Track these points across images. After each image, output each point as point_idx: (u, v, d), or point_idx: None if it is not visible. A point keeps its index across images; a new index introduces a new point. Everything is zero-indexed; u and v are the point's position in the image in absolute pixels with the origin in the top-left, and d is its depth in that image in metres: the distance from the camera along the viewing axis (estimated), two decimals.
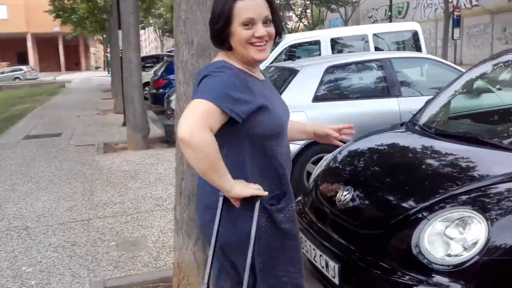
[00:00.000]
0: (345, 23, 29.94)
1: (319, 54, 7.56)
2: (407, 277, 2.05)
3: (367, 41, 7.90)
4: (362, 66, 4.96)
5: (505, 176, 2.20)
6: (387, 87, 4.76)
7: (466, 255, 1.94)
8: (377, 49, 7.74)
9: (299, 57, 7.46)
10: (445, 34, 21.13)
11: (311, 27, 32.91)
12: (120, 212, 4.29)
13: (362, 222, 2.37)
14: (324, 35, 7.88)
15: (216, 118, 1.43)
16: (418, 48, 8.02)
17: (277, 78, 5.01)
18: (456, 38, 19.22)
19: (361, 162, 2.99)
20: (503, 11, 22.16)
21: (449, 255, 1.99)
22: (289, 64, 5.33)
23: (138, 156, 6.66)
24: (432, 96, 3.57)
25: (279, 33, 1.64)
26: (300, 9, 34.65)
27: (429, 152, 2.74)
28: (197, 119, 1.40)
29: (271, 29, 1.57)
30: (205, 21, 2.20)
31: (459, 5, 23.68)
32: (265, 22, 1.55)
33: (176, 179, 2.45)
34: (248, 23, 1.52)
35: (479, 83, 3.51)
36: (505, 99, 3.33)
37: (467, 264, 1.92)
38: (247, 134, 1.56)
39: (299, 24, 37.40)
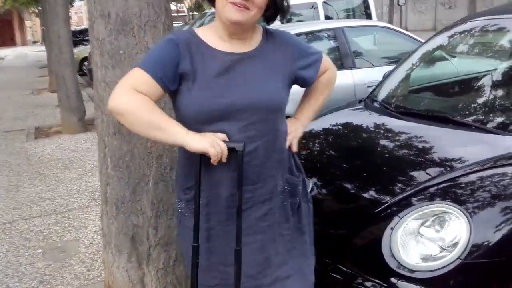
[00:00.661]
0: None
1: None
2: (376, 285, 1.77)
3: (316, 8, 7.54)
4: (313, 36, 4.61)
5: (485, 162, 1.94)
6: (340, 59, 4.45)
7: (446, 259, 1.67)
8: (327, 17, 7.40)
9: None
10: (391, 0, 21.14)
11: None
12: (49, 210, 3.78)
13: (322, 219, 2.06)
14: None
15: (143, 81, 1.38)
16: (368, 16, 7.76)
17: None
18: (401, 4, 19.10)
19: (316, 147, 2.67)
20: None
21: (425, 259, 1.71)
22: None
23: (74, 141, 6.06)
24: (391, 69, 3.28)
25: (281, 10, 1.45)
26: None
27: (393, 135, 2.46)
28: (120, 86, 1.39)
29: None
30: None
31: None
32: None
33: (100, 184, 2.02)
34: None
35: (439, 53, 3.25)
36: (469, 69, 3.09)
37: (447, 269, 1.65)
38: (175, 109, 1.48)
39: None
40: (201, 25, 7.48)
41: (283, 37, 1.55)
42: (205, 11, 8.79)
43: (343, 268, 1.88)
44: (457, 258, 1.64)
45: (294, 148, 1.64)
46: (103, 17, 1.84)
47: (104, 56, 1.87)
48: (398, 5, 19.51)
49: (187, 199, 1.53)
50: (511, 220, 1.68)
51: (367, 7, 7.78)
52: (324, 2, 7.52)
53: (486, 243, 1.65)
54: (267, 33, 1.53)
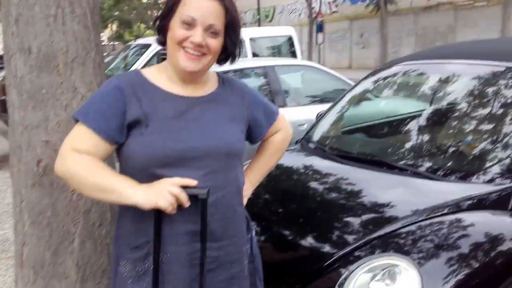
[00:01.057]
0: None
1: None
2: None
3: (242, 45, 7.59)
4: (243, 74, 4.58)
5: (426, 210, 1.93)
6: (272, 97, 4.44)
7: None
8: (254, 54, 7.48)
9: None
10: (310, 39, 22.18)
11: None
12: None
13: (265, 275, 1.92)
14: (244, 34, 7.31)
15: (86, 138, 1.27)
16: (293, 54, 7.97)
17: None
18: (320, 43, 20.23)
19: (260, 192, 2.55)
20: (360, 17, 23.99)
21: None
22: None
23: None
24: (324, 109, 3.29)
25: (232, 54, 1.39)
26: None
27: (332, 179, 2.43)
28: (63, 147, 1.30)
29: (214, 43, 1.30)
30: (48, 20, 1.56)
31: (321, 11, 25.09)
32: (209, 31, 1.29)
33: (15, 244, 1.74)
34: (189, 23, 1.27)
35: (369, 95, 3.33)
36: (399, 111, 3.19)
37: None
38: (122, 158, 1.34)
39: None
40: (125, 57, 7.21)
41: (238, 84, 1.49)
42: (129, 43, 8.52)
43: None
44: None
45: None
46: (22, 52, 1.62)
47: (23, 96, 1.64)
48: (317, 44, 20.58)
49: (135, 258, 1.32)
50: (456, 271, 1.67)
51: (291, 45, 8.00)
52: (250, 39, 7.60)
53: None
54: (222, 79, 1.44)
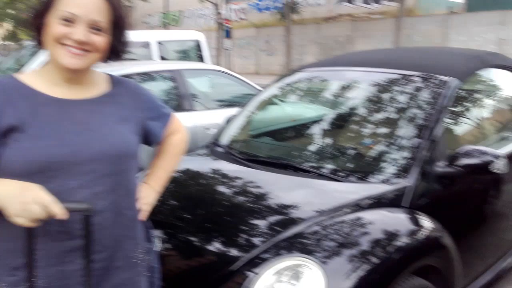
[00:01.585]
0: None
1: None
2: None
3: (149, 48, 7.39)
4: (150, 77, 4.45)
5: (335, 210, 2.01)
6: (179, 101, 4.37)
7: None
8: (162, 58, 7.32)
9: None
10: (219, 44, 22.28)
11: None
12: None
13: (170, 281, 1.86)
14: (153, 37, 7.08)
15: None
16: (200, 58, 7.93)
17: None
18: (228, 48, 20.39)
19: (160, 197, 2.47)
20: (266, 25, 24.60)
21: None
22: None
23: None
24: (233, 114, 3.30)
25: (119, 52, 1.32)
26: None
27: (239, 183, 2.43)
28: None
29: (99, 39, 1.23)
30: None
31: (230, 17, 25.34)
32: (92, 28, 1.22)
33: None
34: (69, 20, 1.19)
35: (276, 100, 3.41)
36: (305, 116, 3.28)
37: None
38: None
39: None
40: (18, 58, 6.66)
41: (131, 85, 1.42)
42: (22, 42, 7.90)
43: None
44: None
45: (144, 216, 1.44)
46: None
47: None
48: (223, 49, 20.74)
49: (14, 282, 1.19)
50: (357, 268, 1.74)
51: (199, 49, 7.95)
52: (158, 42, 7.43)
53: None
54: (113, 80, 1.37)
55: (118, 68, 4.44)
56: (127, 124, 1.32)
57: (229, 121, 3.22)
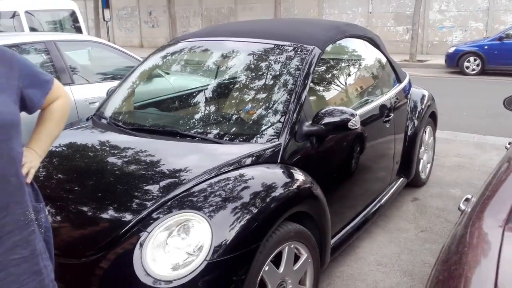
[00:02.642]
0: None
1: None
2: None
3: (17, 18, 6.81)
4: (20, 49, 4.16)
5: (213, 170, 2.17)
6: (56, 75, 4.17)
7: (194, 263, 1.79)
8: (32, 29, 6.79)
9: None
10: (96, 15, 20.99)
11: None
12: None
13: (62, 249, 1.90)
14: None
15: None
16: (77, 29, 7.51)
17: None
18: (107, 19, 19.34)
19: (43, 171, 2.43)
20: None
21: (176, 267, 1.80)
22: None
23: None
24: (115, 86, 3.29)
25: None
26: None
27: (125, 151, 2.49)
28: None
29: None
30: None
31: None
32: None
33: None
34: None
35: (158, 70, 3.46)
36: (187, 85, 3.39)
37: (196, 273, 1.77)
38: None
39: None
40: None
41: (7, 54, 1.41)
42: None
43: None
44: (204, 260, 1.79)
45: (29, 179, 1.48)
46: None
47: None
48: (104, 20, 19.65)
49: None
50: (239, 219, 1.94)
51: (75, 20, 7.51)
52: (26, 12, 6.86)
53: (225, 241, 1.85)
54: None
55: None
56: (5, 93, 1.33)
57: (111, 93, 3.21)
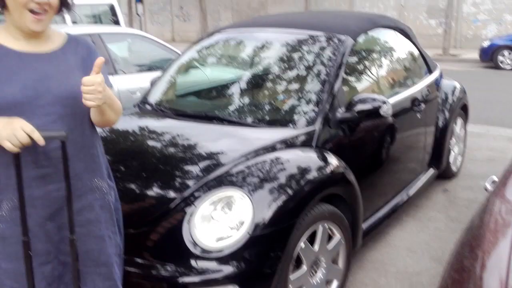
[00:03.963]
0: None
1: None
2: (177, 268, 1.93)
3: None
4: None
5: (256, 151, 2.33)
6: None
7: (237, 236, 1.96)
8: (73, 22, 7.09)
9: None
10: (130, 9, 21.47)
11: None
12: None
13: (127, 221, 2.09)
14: None
15: None
16: (116, 23, 7.79)
17: None
18: (139, 14, 19.78)
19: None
20: None
21: (220, 239, 1.97)
22: None
23: None
24: (158, 76, 3.48)
25: (67, 3, 1.52)
26: None
27: (173, 134, 2.67)
28: None
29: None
30: None
31: None
32: None
33: None
34: None
35: (198, 61, 3.62)
36: (226, 74, 3.54)
37: (239, 245, 1.94)
38: None
39: None
40: None
41: (84, 42, 1.63)
42: None
43: (139, 260, 1.97)
44: (246, 233, 1.95)
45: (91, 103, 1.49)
46: None
47: None
48: (137, 14, 20.09)
49: None
50: (278, 197, 2.09)
51: (113, 14, 7.80)
52: None
53: (264, 217, 2.01)
54: (69, 37, 1.59)
55: None
56: (81, 73, 1.52)
57: (154, 82, 3.40)
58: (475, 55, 12.73)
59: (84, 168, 1.54)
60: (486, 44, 12.17)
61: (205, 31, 19.41)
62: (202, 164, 2.31)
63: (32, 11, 1.41)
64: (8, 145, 1.32)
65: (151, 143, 2.60)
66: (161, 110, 2.95)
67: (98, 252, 1.60)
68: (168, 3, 23.87)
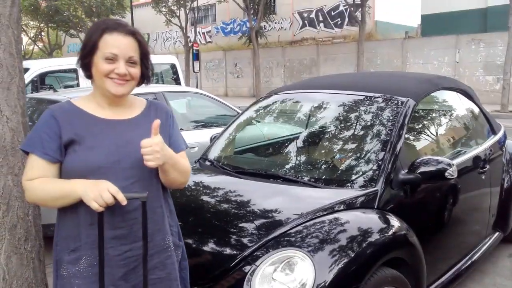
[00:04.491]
0: None
1: (78, 85, 6.88)
2: None
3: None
4: None
5: (316, 212, 2.33)
6: None
7: None
8: None
9: (51, 87, 6.59)
10: (187, 67, 22.61)
11: (48, 51, 30.32)
12: None
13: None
14: None
15: (34, 165, 1.51)
16: (176, 81, 8.20)
17: (35, 111, 4.28)
18: (196, 71, 20.73)
19: None
20: (233, 48, 25.16)
21: None
22: (51, 95, 4.62)
23: None
24: (218, 133, 3.61)
25: (147, 77, 1.66)
26: (33, 31, 31.47)
27: (232, 191, 2.72)
28: (22, 182, 1.54)
29: (135, 70, 1.57)
30: None
31: (197, 40, 25.77)
32: (129, 62, 1.55)
33: None
34: (111, 58, 1.53)
35: (256, 119, 3.73)
36: (283, 133, 3.62)
37: None
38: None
39: (33, 47, 33.92)
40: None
41: (163, 106, 1.75)
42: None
43: None
44: None
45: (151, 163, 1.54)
46: None
47: None
48: (194, 72, 21.09)
49: (70, 261, 1.52)
50: (337, 261, 2.05)
51: (175, 72, 8.23)
52: None
53: (326, 280, 1.97)
54: (149, 103, 1.70)
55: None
56: (161, 134, 1.61)
57: (214, 139, 3.52)
58: None
59: (156, 228, 1.61)
60: None
61: (258, 87, 19.99)
62: (261, 223, 2.33)
63: (112, 79, 1.53)
64: (94, 205, 1.41)
65: (209, 199, 2.66)
66: (221, 167, 3.03)
67: None
68: (222, 61, 24.93)
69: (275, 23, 25.04)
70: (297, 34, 24.59)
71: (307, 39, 23.93)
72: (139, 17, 27.61)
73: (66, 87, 6.76)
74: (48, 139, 1.50)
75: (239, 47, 24.67)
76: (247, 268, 2.06)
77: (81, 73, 6.01)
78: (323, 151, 3.07)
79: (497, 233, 3.66)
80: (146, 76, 1.65)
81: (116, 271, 1.53)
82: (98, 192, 1.41)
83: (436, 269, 2.85)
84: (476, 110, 3.72)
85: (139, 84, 1.65)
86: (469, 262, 3.19)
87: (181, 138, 1.76)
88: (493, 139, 3.68)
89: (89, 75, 1.59)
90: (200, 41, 28.06)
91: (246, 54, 23.65)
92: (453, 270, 3.03)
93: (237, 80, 24.38)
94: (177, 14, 23.93)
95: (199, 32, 27.18)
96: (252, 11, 20.58)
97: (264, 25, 23.98)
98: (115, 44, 1.53)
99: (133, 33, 1.57)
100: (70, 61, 7.38)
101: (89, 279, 1.50)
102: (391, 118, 2.84)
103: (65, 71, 7.14)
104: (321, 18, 23.78)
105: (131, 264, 1.55)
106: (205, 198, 2.70)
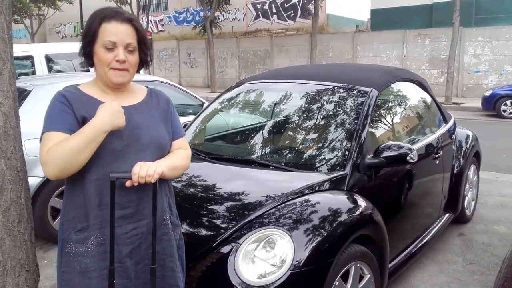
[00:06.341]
0: (32, 36, 27.54)
1: (33, 72, 6.65)
2: None
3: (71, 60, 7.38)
4: None
5: (292, 194, 2.48)
6: None
7: (279, 273, 2.08)
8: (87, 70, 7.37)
9: None
10: None
11: None
12: None
13: None
14: (38, 50, 6.90)
15: (55, 138, 1.52)
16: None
17: None
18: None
19: None
20: (186, 38, 24.89)
21: (262, 276, 2.09)
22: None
23: None
24: (190, 122, 3.68)
25: (146, 62, 1.72)
26: None
27: (210, 177, 2.82)
28: (40, 157, 1.52)
29: (133, 58, 1.63)
30: None
31: (149, 29, 25.29)
32: (127, 49, 1.61)
33: None
34: (111, 47, 1.59)
35: (226, 109, 3.83)
36: (252, 120, 3.75)
37: (281, 281, 2.06)
38: None
39: None
40: None
41: (164, 95, 1.82)
42: None
43: None
44: (287, 270, 2.08)
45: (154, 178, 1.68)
46: None
47: None
48: None
49: (78, 240, 1.58)
50: (316, 236, 2.22)
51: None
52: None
53: (304, 255, 2.13)
54: (150, 91, 1.78)
55: (74, 78, 4.57)
56: (164, 123, 1.72)
57: (186, 127, 3.60)
58: (477, 103, 13.06)
59: (158, 206, 1.70)
60: (488, 93, 12.52)
61: (212, 77, 19.95)
62: (240, 205, 2.45)
63: (113, 68, 1.60)
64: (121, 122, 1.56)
65: (186, 184, 2.75)
66: (196, 153, 3.12)
67: (175, 280, 1.73)
68: (176, 51, 24.61)
69: (229, 13, 24.98)
70: (251, 25, 24.66)
71: (261, 30, 24.08)
72: (89, 3, 26.72)
73: (21, 75, 6.50)
74: (63, 115, 1.55)
75: (192, 36, 24.43)
76: (229, 247, 2.19)
77: (37, 59, 5.95)
78: (297, 138, 3.23)
79: (448, 214, 3.98)
80: (144, 61, 1.72)
81: (123, 248, 1.61)
82: (115, 114, 1.54)
83: (396, 246, 3.09)
84: (430, 100, 4.01)
85: (138, 69, 1.72)
86: (424, 240, 3.46)
87: (180, 125, 1.85)
88: (445, 128, 3.98)
89: (91, 63, 1.64)
90: (152, 29, 27.55)
91: (200, 44, 23.48)
92: (410, 248, 3.29)
93: (191, 70, 24.18)
94: (128, 1, 23.37)
95: (151, 20, 26.64)
96: (206, 1, 20.44)
97: (218, 15, 23.88)
98: (113, 32, 1.58)
99: (130, 20, 1.64)
100: (22, 48, 7.09)
101: (97, 257, 1.57)
102: (357, 106, 3.04)
103: (16, 58, 6.79)
104: (274, 10, 23.96)
105: (136, 242, 1.63)
106: (182, 183, 2.79)
